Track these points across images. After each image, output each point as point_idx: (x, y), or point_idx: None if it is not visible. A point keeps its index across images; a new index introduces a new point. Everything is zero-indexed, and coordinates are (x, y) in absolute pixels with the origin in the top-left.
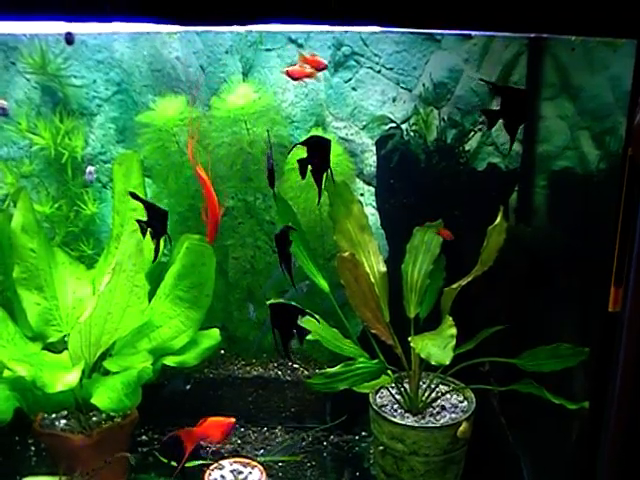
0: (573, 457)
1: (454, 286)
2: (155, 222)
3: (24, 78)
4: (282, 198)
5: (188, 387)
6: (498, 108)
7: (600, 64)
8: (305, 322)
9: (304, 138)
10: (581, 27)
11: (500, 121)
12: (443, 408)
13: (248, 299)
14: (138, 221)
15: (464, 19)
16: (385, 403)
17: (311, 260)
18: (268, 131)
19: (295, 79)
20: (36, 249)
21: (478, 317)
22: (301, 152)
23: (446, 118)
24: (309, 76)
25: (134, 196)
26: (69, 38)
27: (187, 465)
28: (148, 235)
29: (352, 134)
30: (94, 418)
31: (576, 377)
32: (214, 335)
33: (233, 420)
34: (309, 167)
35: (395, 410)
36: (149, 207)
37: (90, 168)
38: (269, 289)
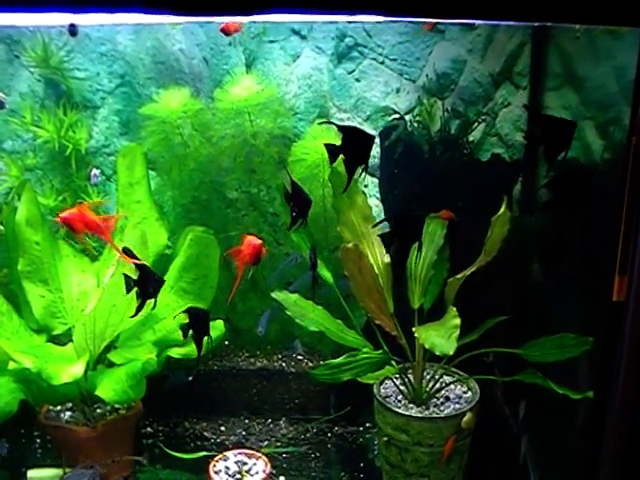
0: (578, 446)
1: (458, 276)
2: (145, 284)
3: (28, 71)
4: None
5: (190, 378)
6: (540, 134)
7: (604, 53)
8: (311, 312)
9: (343, 124)
10: (585, 15)
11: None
12: (447, 399)
13: (259, 314)
14: (126, 276)
15: (467, 8)
16: (389, 394)
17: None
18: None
19: (227, 34)
20: (40, 242)
21: (482, 307)
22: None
23: (450, 109)
24: (237, 30)
25: (127, 252)
26: (73, 30)
27: (192, 457)
28: (154, 226)
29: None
30: (99, 410)
31: (580, 367)
32: (218, 326)
33: (260, 242)
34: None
35: (399, 401)
36: (142, 268)
37: (95, 171)
38: (273, 281)
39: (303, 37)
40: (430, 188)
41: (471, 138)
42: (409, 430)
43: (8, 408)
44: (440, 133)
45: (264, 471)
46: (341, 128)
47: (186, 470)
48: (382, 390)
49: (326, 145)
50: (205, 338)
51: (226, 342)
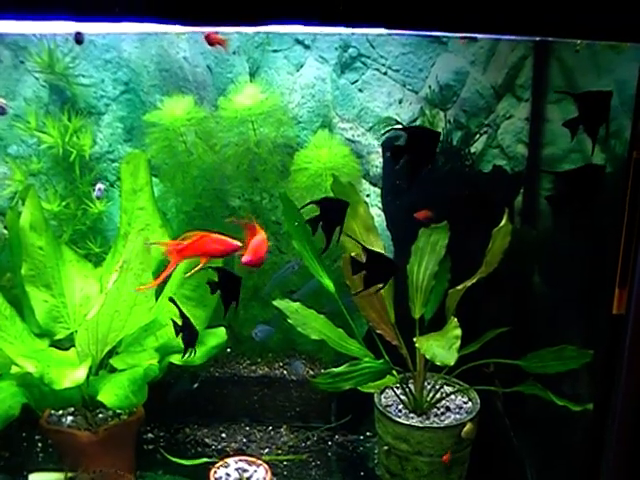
0: (578, 457)
1: (459, 287)
2: (186, 332)
3: (33, 77)
4: (288, 198)
5: (195, 386)
6: (576, 115)
7: (605, 67)
8: (312, 321)
9: (408, 125)
10: (587, 31)
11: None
12: (447, 409)
13: (261, 322)
14: (173, 322)
15: (470, 22)
16: (390, 403)
17: (317, 261)
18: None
19: (210, 43)
20: (44, 247)
21: (483, 318)
22: None
23: (452, 120)
24: (220, 43)
25: (172, 301)
26: (79, 38)
27: (192, 463)
28: (157, 233)
29: (358, 135)
30: (100, 415)
31: (581, 379)
32: (220, 334)
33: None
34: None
35: (400, 410)
36: (183, 316)
37: (99, 185)
38: (271, 288)
39: (307, 47)
40: (432, 199)
41: (473, 149)
42: (409, 439)
43: (10, 412)
44: (442, 144)
45: (264, 478)
46: (406, 129)
47: (187, 476)
48: (383, 399)
49: (391, 148)
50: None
51: (228, 349)
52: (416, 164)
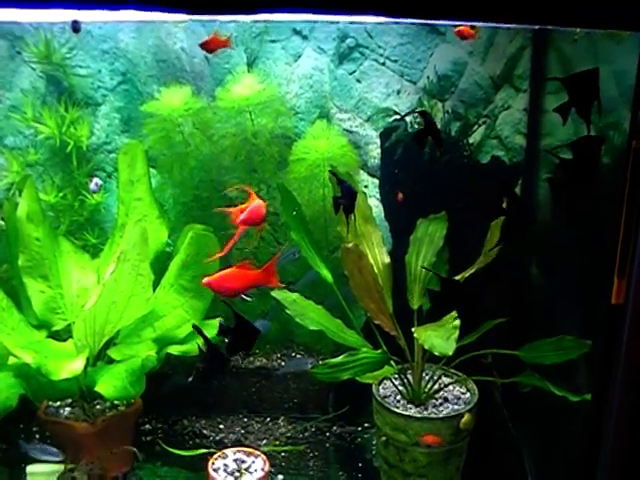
0: (575, 448)
1: (457, 278)
2: (213, 358)
3: (30, 67)
4: (286, 189)
5: (190, 379)
6: (567, 100)
7: (604, 57)
8: (311, 311)
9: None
10: (586, 19)
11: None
12: (446, 399)
13: (259, 313)
14: (199, 347)
15: (468, 10)
16: (388, 394)
17: (315, 251)
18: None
19: (210, 51)
20: (41, 238)
21: (481, 309)
22: None
23: (450, 111)
24: (225, 45)
25: (196, 329)
26: (76, 26)
27: (190, 454)
28: (154, 224)
29: (356, 126)
30: (98, 406)
31: (579, 369)
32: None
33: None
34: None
35: (398, 401)
36: (209, 343)
37: (96, 180)
38: None
39: (304, 37)
40: (430, 189)
41: (471, 140)
42: (408, 430)
43: (8, 403)
44: (440, 135)
45: (262, 469)
46: (421, 113)
47: (185, 467)
48: (381, 390)
49: (416, 133)
50: None
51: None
52: (439, 142)
